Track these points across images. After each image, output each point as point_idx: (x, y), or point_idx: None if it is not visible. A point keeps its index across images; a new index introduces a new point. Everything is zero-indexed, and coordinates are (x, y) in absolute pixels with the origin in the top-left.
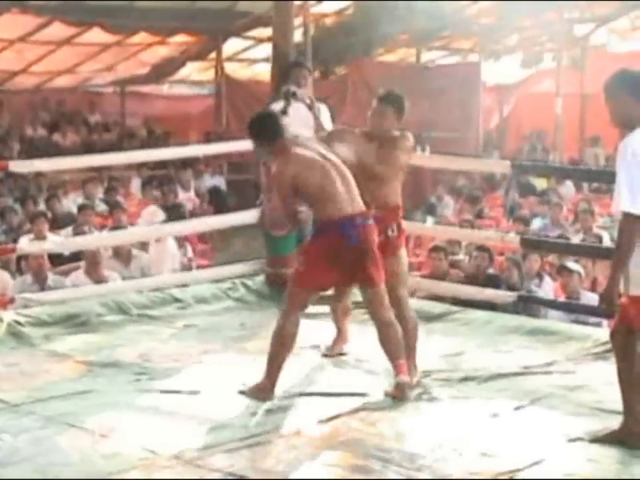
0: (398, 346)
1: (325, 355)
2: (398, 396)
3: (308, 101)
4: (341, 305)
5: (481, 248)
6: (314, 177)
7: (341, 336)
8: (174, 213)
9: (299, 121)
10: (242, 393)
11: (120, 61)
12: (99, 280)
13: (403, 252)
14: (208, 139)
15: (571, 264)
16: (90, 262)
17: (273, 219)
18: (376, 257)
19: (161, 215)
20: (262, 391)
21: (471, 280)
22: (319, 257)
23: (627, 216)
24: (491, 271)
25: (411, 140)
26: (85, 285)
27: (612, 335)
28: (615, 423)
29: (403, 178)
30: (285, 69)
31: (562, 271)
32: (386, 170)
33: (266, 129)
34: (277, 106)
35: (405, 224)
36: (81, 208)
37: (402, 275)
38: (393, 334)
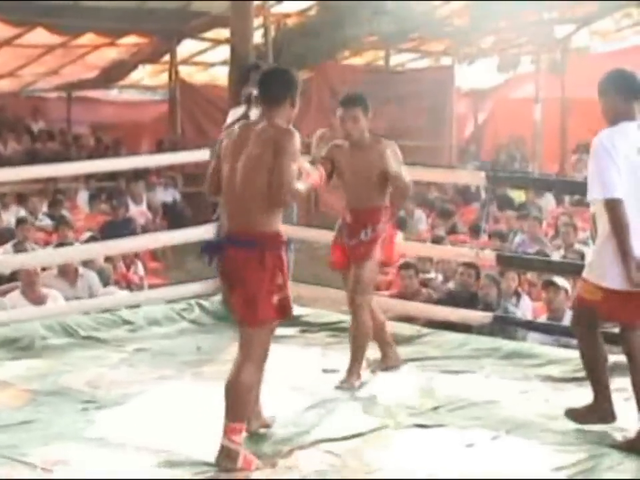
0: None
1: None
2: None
3: None
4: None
5: (468, 264)
6: None
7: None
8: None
9: None
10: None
11: (66, 64)
12: (36, 300)
13: (371, 261)
14: (161, 148)
15: (558, 279)
16: (26, 281)
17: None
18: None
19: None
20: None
21: (452, 298)
22: None
23: (606, 202)
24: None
25: (383, 142)
26: (23, 306)
27: (574, 325)
28: (599, 453)
29: (384, 180)
30: (244, 72)
31: (548, 286)
32: (358, 173)
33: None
34: (239, 110)
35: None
36: (19, 222)
37: (363, 282)
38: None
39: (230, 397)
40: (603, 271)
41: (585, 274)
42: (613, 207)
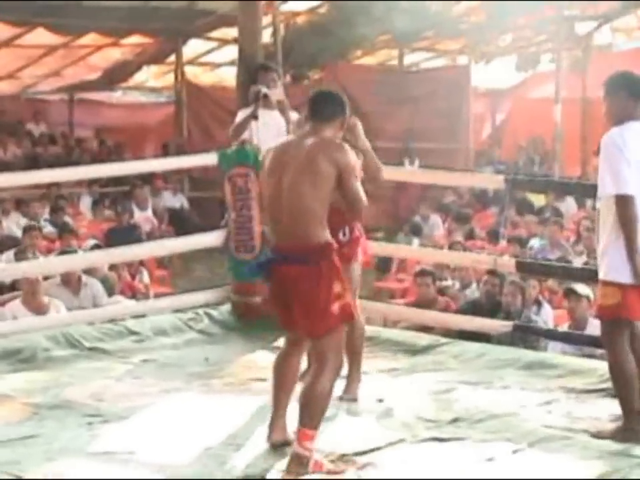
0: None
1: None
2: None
3: (278, 102)
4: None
5: (492, 272)
6: None
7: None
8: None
9: (272, 128)
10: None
11: (67, 65)
12: (38, 309)
13: (357, 263)
14: (166, 151)
15: (579, 287)
16: (27, 290)
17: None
18: None
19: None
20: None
21: (476, 308)
22: None
23: (617, 198)
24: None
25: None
26: (24, 316)
27: (603, 338)
28: (625, 467)
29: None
30: (252, 72)
31: (569, 294)
32: None
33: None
34: (247, 111)
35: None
36: (27, 229)
37: (353, 284)
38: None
39: (307, 404)
40: (619, 267)
41: (601, 275)
42: (625, 203)
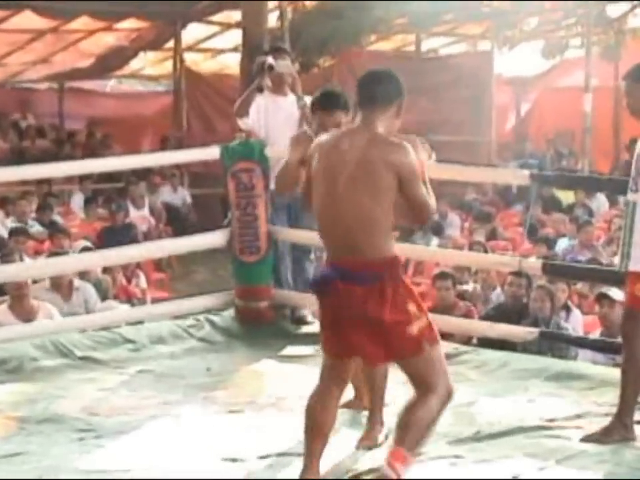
0: None
1: None
2: None
3: (286, 77)
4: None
5: (517, 273)
6: None
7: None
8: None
9: (281, 114)
10: None
11: (57, 52)
12: (26, 316)
13: None
14: (165, 145)
15: (613, 291)
16: (14, 295)
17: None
18: None
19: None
20: None
21: (503, 313)
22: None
23: None
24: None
25: None
26: (11, 323)
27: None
28: None
29: None
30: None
31: (602, 299)
32: None
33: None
34: (255, 101)
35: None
36: (13, 233)
37: None
38: None
39: (407, 425)
40: None
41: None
42: None
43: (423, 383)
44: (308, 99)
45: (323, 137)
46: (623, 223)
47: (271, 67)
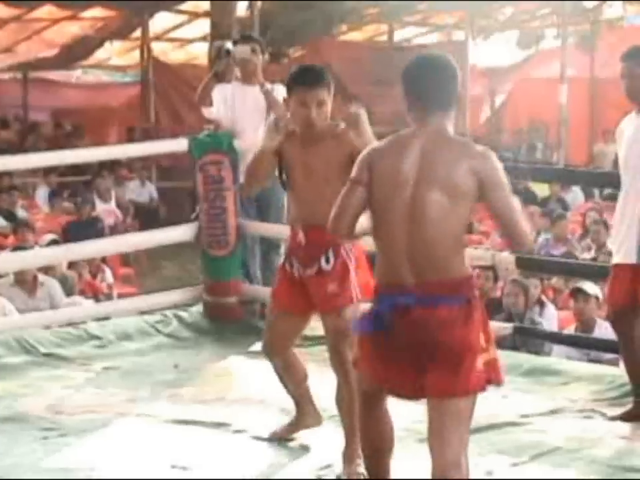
0: None
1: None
2: None
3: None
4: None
5: (484, 266)
6: None
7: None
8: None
9: (249, 104)
10: None
11: (20, 41)
12: None
13: (349, 308)
14: (132, 137)
15: (588, 285)
16: None
17: None
18: None
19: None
20: None
21: None
22: None
23: None
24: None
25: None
26: None
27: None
28: None
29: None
30: (224, 49)
31: (577, 294)
32: (314, 174)
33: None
34: (227, 87)
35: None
36: None
37: (345, 332)
38: None
39: None
40: None
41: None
42: None
43: (458, 428)
44: (280, 88)
45: (379, 144)
46: None
47: (227, 52)
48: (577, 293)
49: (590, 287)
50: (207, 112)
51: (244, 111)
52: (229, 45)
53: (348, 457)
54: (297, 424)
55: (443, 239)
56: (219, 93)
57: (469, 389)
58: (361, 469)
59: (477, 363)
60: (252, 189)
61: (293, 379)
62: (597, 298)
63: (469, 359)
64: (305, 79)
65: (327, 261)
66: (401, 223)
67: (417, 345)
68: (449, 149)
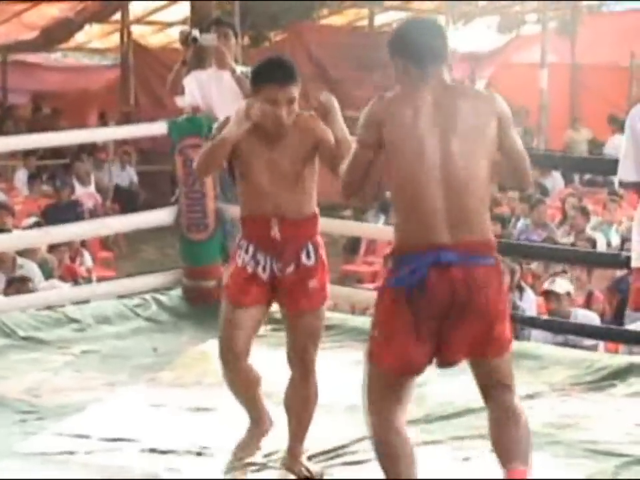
0: None
1: None
2: None
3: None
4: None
5: None
6: None
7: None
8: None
9: (227, 90)
10: None
11: None
12: None
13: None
14: (105, 122)
15: (558, 283)
16: None
17: None
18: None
19: None
20: None
21: None
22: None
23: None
24: None
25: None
26: None
27: None
28: (612, 466)
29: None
30: (205, 28)
31: (549, 296)
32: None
33: None
34: (202, 74)
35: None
36: None
37: (319, 332)
38: None
39: (522, 438)
40: None
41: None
42: None
43: (507, 381)
44: (244, 69)
45: (383, 101)
46: None
47: (194, 40)
48: (548, 294)
49: (560, 286)
50: (179, 100)
51: (220, 97)
52: (195, 32)
53: (294, 454)
54: (257, 434)
55: (478, 194)
56: (195, 79)
57: (506, 348)
58: (306, 464)
59: (506, 326)
60: (205, 176)
61: (249, 385)
62: (568, 295)
63: (505, 319)
64: (276, 76)
65: (308, 255)
66: (432, 181)
67: (448, 305)
68: (462, 98)
